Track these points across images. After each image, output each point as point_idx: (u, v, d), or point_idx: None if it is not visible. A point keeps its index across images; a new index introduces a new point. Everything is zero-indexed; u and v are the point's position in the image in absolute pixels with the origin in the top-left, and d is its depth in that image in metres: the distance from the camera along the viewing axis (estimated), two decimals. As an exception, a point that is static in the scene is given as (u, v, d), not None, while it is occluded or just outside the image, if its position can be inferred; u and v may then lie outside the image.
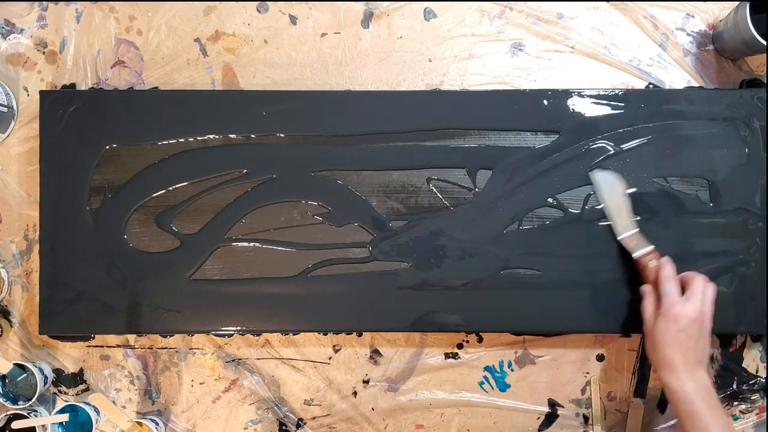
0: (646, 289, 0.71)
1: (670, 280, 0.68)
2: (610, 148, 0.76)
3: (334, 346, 0.82)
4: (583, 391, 0.81)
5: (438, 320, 0.76)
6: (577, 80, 0.81)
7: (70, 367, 0.82)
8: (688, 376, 0.65)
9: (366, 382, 0.82)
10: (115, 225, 0.77)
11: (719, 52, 0.81)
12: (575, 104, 0.77)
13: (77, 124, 0.77)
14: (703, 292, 0.68)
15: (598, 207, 0.76)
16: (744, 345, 0.81)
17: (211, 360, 0.81)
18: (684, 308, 0.66)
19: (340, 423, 0.82)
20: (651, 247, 0.72)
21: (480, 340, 0.81)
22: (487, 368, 0.81)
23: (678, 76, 0.81)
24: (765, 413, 0.81)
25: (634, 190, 0.75)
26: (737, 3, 0.77)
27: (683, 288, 0.69)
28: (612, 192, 0.75)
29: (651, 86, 0.81)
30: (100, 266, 0.77)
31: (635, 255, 0.72)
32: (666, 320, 0.66)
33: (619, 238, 0.74)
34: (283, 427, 0.82)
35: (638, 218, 0.74)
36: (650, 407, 0.81)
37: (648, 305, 0.69)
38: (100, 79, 0.82)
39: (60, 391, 0.81)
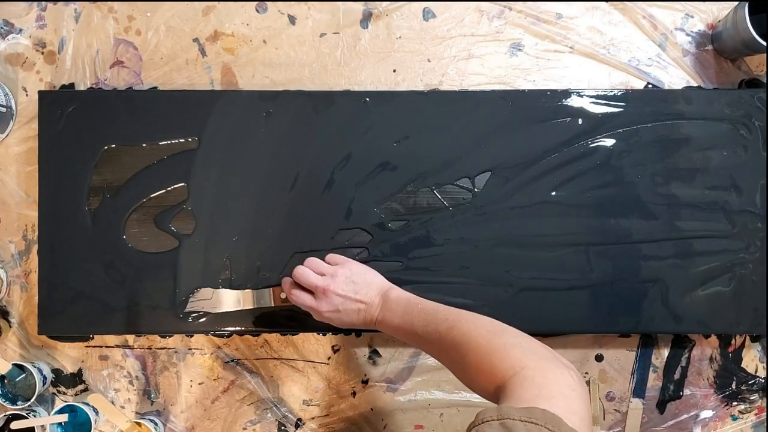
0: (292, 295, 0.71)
1: (291, 294, 0.70)
2: (609, 148, 0.76)
3: (333, 346, 0.82)
4: (582, 391, 0.81)
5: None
6: (576, 80, 0.81)
7: (69, 368, 0.82)
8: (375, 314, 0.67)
9: (365, 382, 0.82)
10: (114, 225, 0.77)
11: (718, 52, 0.81)
12: (574, 104, 0.77)
13: (76, 124, 0.77)
14: (293, 294, 0.70)
15: (599, 202, 0.76)
16: (743, 345, 0.81)
17: (210, 360, 0.81)
18: (320, 305, 0.68)
19: (339, 423, 0.82)
20: (269, 290, 0.75)
21: (479, 340, 0.81)
22: (486, 368, 0.81)
23: (677, 76, 0.81)
24: (764, 413, 0.81)
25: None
26: (736, 3, 0.77)
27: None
28: (213, 304, 0.76)
29: (650, 86, 0.81)
30: (99, 266, 0.77)
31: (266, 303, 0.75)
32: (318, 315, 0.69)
33: (259, 306, 0.75)
34: (282, 428, 0.82)
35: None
36: (649, 407, 0.81)
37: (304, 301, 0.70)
38: (99, 79, 0.81)
39: (59, 392, 0.81)
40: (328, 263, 0.71)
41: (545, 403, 0.44)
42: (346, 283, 0.68)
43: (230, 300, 0.75)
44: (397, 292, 0.68)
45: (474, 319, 0.59)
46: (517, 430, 0.41)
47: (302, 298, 0.69)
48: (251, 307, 0.75)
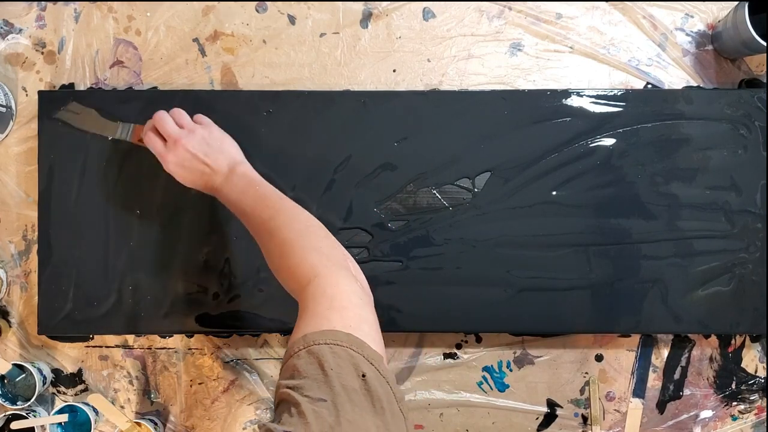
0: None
1: (151, 140, 0.70)
2: (609, 148, 0.76)
3: (332, 346, 0.81)
4: (581, 391, 0.81)
5: (437, 320, 0.76)
6: (576, 80, 0.81)
7: (69, 368, 0.82)
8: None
9: (365, 382, 0.81)
10: (114, 225, 0.77)
11: (718, 52, 0.81)
12: (574, 104, 0.77)
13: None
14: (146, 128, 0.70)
15: (603, 203, 0.76)
16: (743, 345, 0.81)
17: (210, 360, 0.81)
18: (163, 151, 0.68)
19: (338, 423, 0.82)
20: (132, 125, 0.74)
21: (479, 340, 0.81)
22: (485, 368, 0.81)
23: (677, 76, 0.81)
24: (764, 413, 0.81)
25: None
26: (736, 3, 0.77)
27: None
28: (78, 116, 0.75)
29: (650, 86, 0.81)
30: (99, 266, 0.77)
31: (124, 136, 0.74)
32: (168, 147, 0.68)
33: (118, 137, 0.75)
34: (282, 428, 0.82)
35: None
36: (649, 407, 0.81)
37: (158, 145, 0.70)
38: (98, 79, 0.81)
39: (59, 392, 0.81)
40: (194, 119, 0.71)
41: (338, 315, 0.48)
42: (200, 142, 0.67)
43: (94, 122, 0.74)
44: (245, 168, 0.67)
45: (292, 213, 0.60)
46: (324, 355, 0.43)
47: (154, 142, 0.69)
48: (111, 136, 0.74)
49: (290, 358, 0.45)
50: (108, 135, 0.74)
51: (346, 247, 0.75)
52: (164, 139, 0.68)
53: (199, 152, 0.67)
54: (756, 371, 0.81)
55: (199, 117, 0.72)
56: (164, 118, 0.68)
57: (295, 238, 0.56)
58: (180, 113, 0.70)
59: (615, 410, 0.81)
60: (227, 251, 0.77)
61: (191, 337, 0.81)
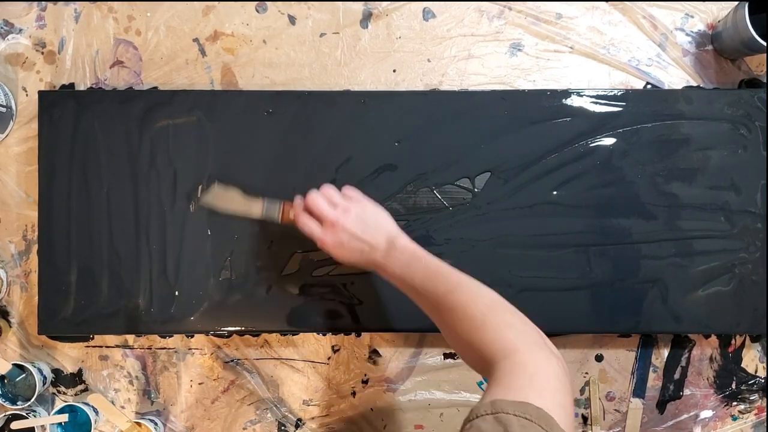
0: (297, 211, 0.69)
1: (300, 217, 0.68)
2: (609, 148, 0.76)
3: (333, 346, 0.82)
4: (582, 391, 0.81)
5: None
6: (576, 80, 0.81)
7: (69, 368, 0.82)
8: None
9: (365, 382, 0.82)
10: (114, 225, 0.77)
11: (718, 52, 0.81)
12: (574, 104, 0.77)
13: (76, 124, 0.77)
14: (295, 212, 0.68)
15: (598, 202, 0.76)
16: (743, 345, 0.81)
17: (210, 360, 0.81)
18: (313, 231, 0.66)
19: (339, 423, 0.82)
20: (280, 204, 0.70)
21: (479, 340, 0.81)
22: (486, 368, 0.81)
23: (677, 76, 0.81)
24: (764, 413, 0.81)
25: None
26: (736, 3, 0.77)
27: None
28: (222, 198, 0.72)
29: (650, 86, 0.81)
30: (99, 266, 0.77)
31: (264, 215, 0.70)
32: (321, 226, 0.66)
33: (264, 217, 0.71)
34: (282, 428, 0.82)
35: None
36: (649, 407, 0.81)
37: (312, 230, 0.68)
38: (99, 79, 0.81)
39: (59, 392, 0.81)
40: (344, 195, 0.68)
41: (536, 394, 0.45)
42: (357, 220, 0.65)
43: (239, 201, 0.71)
44: (405, 241, 0.65)
45: (475, 288, 0.58)
46: (511, 426, 0.42)
47: (309, 226, 0.67)
48: (257, 217, 0.71)
49: (475, 419, 0.44)
50: (254, 216, 0.71)
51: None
52: (319, 220, 0.67)
53: (357, 230, 0.65)
54: (756, 371, 0.81)
55: (349, 191, 0.69)
56: (317, 200, 0.67)
57: (485, 314, 0.55)
58: (331, 192, 0.68)
59: (615, 410, 0.81)
60: (228, 251, 0.77)
61: (191, 337, 0.81)
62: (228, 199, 0.71)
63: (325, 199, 0.67)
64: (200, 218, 0.77)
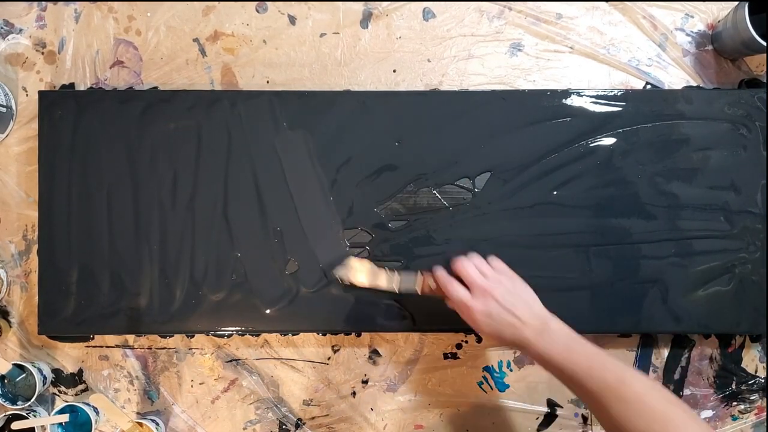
0: (443, 277, 0.69)
1: (445, 285, 0.68)
2: (609, 148, 0.76)
3: (333, 346, 0.82)
4: (582, 391, 0.81)
5: (437, 320, 0.76)
6: (576, 80, 0.81)
7: (69, 368, 0.82)
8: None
9: (365, 382, 0.82)
10: (114, 224, 0.77)
11: (718, 52, 0.81)
12: (574, 104, 0.77)
13: (76, 124, 0.77)
14: (445, 278, 0.68)
15: (597, 202, 0.76)
16: (743, 345, 0.81)
17: (211, 360, 0.81)
18: (467, 304, 0.66)
19: (339, 423, 0.82)
20: (418, 274, 0.71)
21: (479, 340, 0.81)
22: (486, 368, 0.81)
23: (677, 76, 0.81)
24: (764, 413, 0.81)
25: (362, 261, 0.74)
26: (736, 3, 0.77)
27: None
28: (358, 272, 0.73)
29: (650, 86, 0.81)
30: (99, 267, 0.77)
31: (401, 289, 0.72)
32: (473, 298, 0.66)
33: (401, 290, 0.72)
34: (283, 427, 0.82)
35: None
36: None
37: (452, 283, 0.68)
38: (99, 79, 0.81)
39: (59, 392, 0.81)
40: (493, 266, 0.69)
41: None
42: (508, 293, 0.66)
43: (374, 274, 0.71)
44: (558, 324, 0.65)
45: (644, 379, 0.59)
46: None
47: (459, 292, 0.66)
48: (393, 290, 0.71)
49: None
50: (390, 289, 0.72)
51: (347, 247, 0.76)
52: (468, 287, 0.67)
53: (508, 304, 0.65)
54: (756, 371, 0.81)
55: (497, 263, 0.70)
56: (468, 267, 0.67)
57: (667, 408, 0.56)
58: (480, 261, 0.69)
59: (615, 410, 0.81)
60: (229, 251, 0.77)
61: (192, 337, 0.81)
62: (362, 273, 0.73)
63: (474, 266, 0.67)
64: (200, 218, 0.77)
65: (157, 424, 0.79)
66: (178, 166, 0.77)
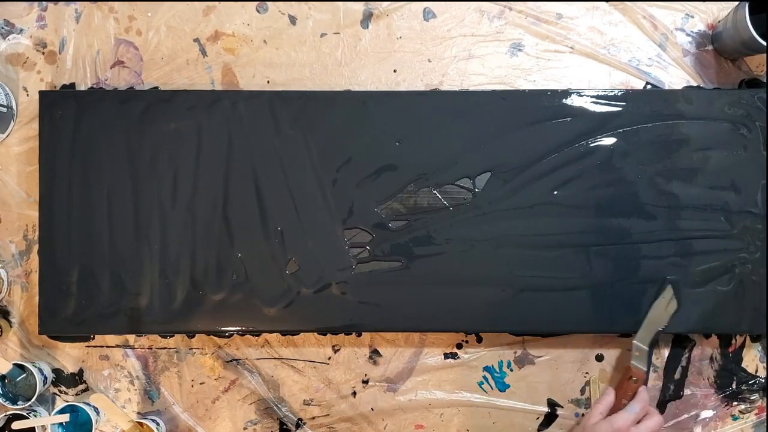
0: (610, 390, 0.75)
1: (642, 404, 0.72)
2: (609, 148, 0.76)
3: (333, 346, 0.82)
4: (582, 391, 0.81)
5: (437, 320, 0.76)
6: (576, 80, 0.81)
7: (70, 368, 0.82)
8: None
9: (365, 382, 0.82)
10: (115, 224, 0.77)
11: (718, 52, 0.81)
12: (574, 104, 0.77)
13: (77, 124, 0.77)
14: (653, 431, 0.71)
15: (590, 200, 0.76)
16: (743, 345, 0.81)
17: (211, 360, 0.81)
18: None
19: (339, 423, 0.82)
20: (645, 369, 0.75)
21: (479, 340, 0.81)
22: (486, 368, 0.81)
23: (677, 76, 0.81)
24: (764, 413, 0.81)
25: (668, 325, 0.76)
26: (736, 3, 0.77)
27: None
28: (665, 309, 0.75)
29: (650, 86, 0.81)
30: (100, 266, 0.77)
31: (632, 363, 0.75)
32: (609, 428, 0.69)
33: (634, 341, 0.75)
34: (283, 427, 0.82)
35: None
36: (649, 407, 0.81)
37: (602, 404, 0.73)
38: (99, 79, 0.82)
39: (60, 392, 0.82)
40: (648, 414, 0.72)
41: None
42: None
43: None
44: None
45: None
46: None
47: (636, 410, 0.71)
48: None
49: None
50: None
51: (347, 247, 0.76)
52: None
53: None
54: (756, 371, 0.81)
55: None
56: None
57: None
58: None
59: (615, 410, 0.81)
60: (229, 251, 0.77)
61: (192, 337, 0.81)
62: (662, 314, 0.76)
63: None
64: (200, 218, 0.77)
65: (158, 424, 0.79)
66: (179, 166, 0.77)
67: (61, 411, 0.77)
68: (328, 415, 0.82)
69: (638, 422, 0.71)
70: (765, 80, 0.80)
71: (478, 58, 0.82)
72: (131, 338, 0.81)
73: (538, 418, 0.81)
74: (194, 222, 0.77)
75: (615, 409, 0.73)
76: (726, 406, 0.81)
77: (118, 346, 0.82)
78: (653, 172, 0.76)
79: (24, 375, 0.78)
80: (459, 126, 0.77)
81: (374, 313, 0.76)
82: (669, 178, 0.76)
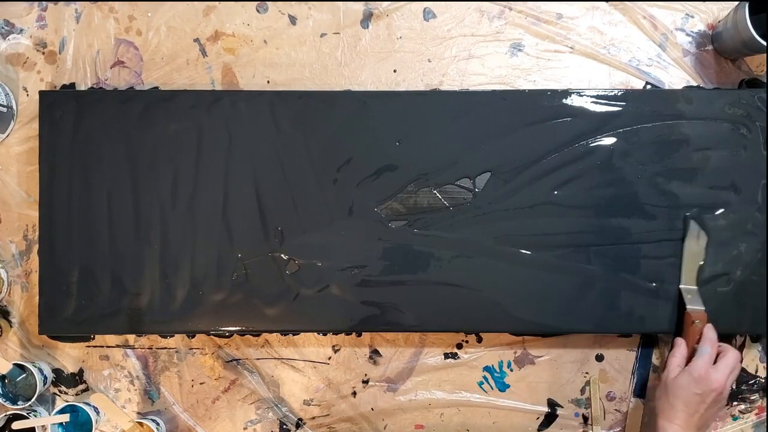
0: (680, 341, 0.73)
1: (711, 343, 0.71)
2: (609, 148, 0.76)
3: (333, 346, 0.82)
4: (582, 391, 0.81)
5: (437, 320, 0.76)
6: (576, 80, 0.81)
7: (70, 368, 0.82)
8: None
9: (365, 382, 0.82)
10: (115, 224, 0.77)
11: (718, 52, 0.81)
12: (574, 104, 0.77)
13: (77, 124, 0.77)
14: (733, 367, 0.69)
15: (591, 200, 0.76)
16: (743, 345, 0.81)
17: (211, 360, 0.81)
18: (711, 375, 0.68)
19: (339, 423, 0.82)
20: (703, 308, 0.73)
21: (479, 340, 0.81)
22: (486, 368, 0.81)
23: (677, 76, 0.81)
24: (764, 413, 0.81)
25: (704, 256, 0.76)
26: (736, 3, 0.77)
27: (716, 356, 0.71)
28: (696, 242, 0.75)
29: (650, 86, 0.81)
30: (100, 266, 0.77)
31: (688, 308, 0.73)
32: (690, 377, 0.68)
33: (681, 286, 0.75)
34: (283, 427, 0.82)
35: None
36: (650, 407, 0.81)
37: (676, 356, 0.72)
38: (99, 79, 0.82)
39: (60, 392, 0.82)
40: (722, 352, 0.72)
41: None
42: (722, 397, 0.69)
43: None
44: None
45: None
46: None
47: (709, 351, 0.70)
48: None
49: None
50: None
51: (347, 247, 0.76)
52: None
53: (713, 410, 0.69)
54: (756, 371, 0.81)
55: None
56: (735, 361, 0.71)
57: None
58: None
59: (615, 410, 0.81)
60: (229, 251, 0.77)
61: (192, 337, 0.81)
62: (697, 249, 0.75)
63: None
64: (200, 218, 0.77)
65: (158, 423, 0.79)
66: (179, 166, 0.77)
67: (61, 411, 0.77)
68: (328, 415, 0.82)
69: (714, 362, 0.69)
70: (765, 80, 0.80)
71: (478, 58, 0.82)
72: (131, 338, 0.81)
73: (538, 418, 0.81)
74: (194, 222, 0.77)
75: (689, 357, 0.72)
76: (726, 406, 0.81)
77: (118, 346, 0.82)
78: (653, 172, 0.76)
79: (24, 375, 0.78)
80: (459, 126, 0.77)
81: (374, 313, 0.76)
82: (669, 178, 0.76)
